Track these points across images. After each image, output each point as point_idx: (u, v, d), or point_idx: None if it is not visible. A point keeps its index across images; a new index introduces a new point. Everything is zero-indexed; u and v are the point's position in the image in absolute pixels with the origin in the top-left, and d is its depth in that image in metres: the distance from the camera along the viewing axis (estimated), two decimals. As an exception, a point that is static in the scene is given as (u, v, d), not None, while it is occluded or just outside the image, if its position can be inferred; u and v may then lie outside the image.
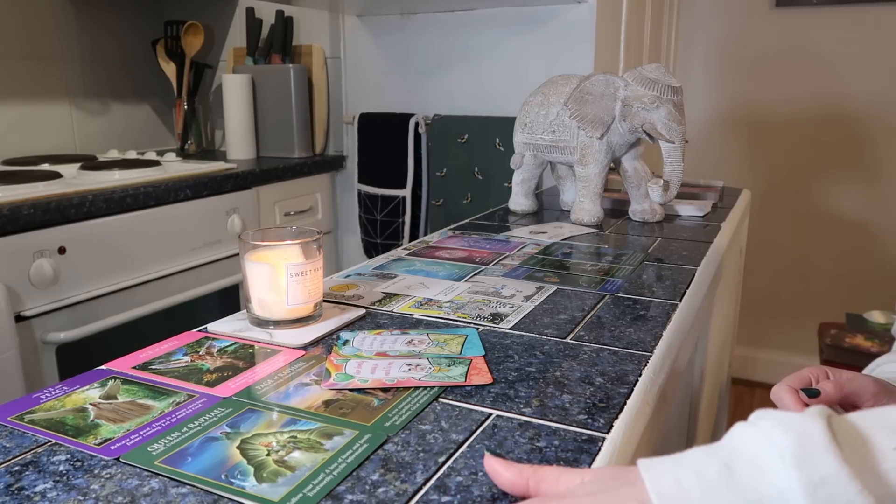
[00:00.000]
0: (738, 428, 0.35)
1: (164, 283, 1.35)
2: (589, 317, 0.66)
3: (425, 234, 1.75)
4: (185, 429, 0.44)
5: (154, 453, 0.41)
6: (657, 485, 0.33)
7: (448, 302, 0.70)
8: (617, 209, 1.21)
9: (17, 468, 0.40)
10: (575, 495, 0.35)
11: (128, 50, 1.97)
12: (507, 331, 0.62)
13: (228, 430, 0.44)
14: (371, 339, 0.60)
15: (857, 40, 2.17)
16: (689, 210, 1.16)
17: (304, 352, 0.58)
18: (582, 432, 0.44)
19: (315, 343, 0.60)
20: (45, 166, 1.47)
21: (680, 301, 0.71)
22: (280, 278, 0.60)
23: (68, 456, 0.41)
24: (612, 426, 0.45)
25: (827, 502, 0.30)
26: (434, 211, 1.73)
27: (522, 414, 0.46)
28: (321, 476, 0.39)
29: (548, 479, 0.37)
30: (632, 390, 0.50)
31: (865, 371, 0.68)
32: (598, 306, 0.69)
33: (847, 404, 0.59)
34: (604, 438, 0.43)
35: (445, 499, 0.37)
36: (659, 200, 1.05)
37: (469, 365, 0.54)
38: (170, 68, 1.95)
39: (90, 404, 0.48)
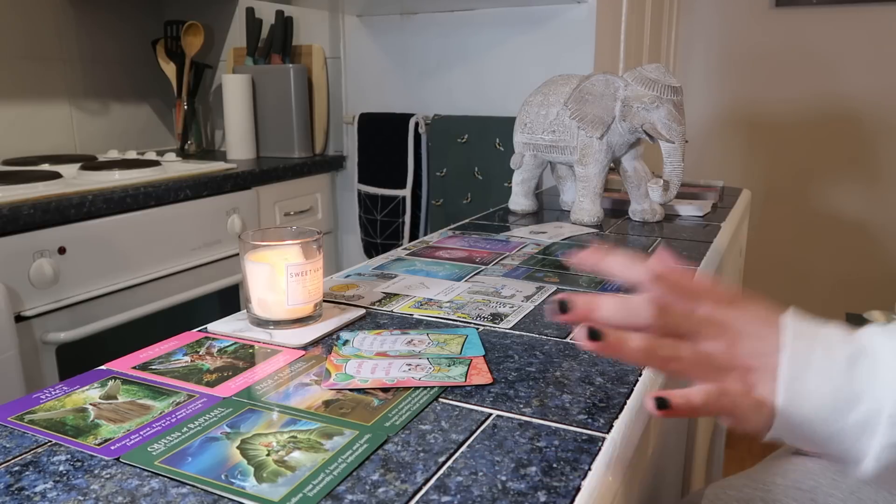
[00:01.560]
0: (876, 333, 0.40)
1: (164, 283, 1.35)
2: (589, 317, 0.66)
3: (425, 234, 1.75)
4: (185, 429, 0.44)
5: (154, 453, 0.41)
6: (793, 343, 0.39)
7: (448, 302, 0.70)
8: (617, 209, 1.21)
9: (17, 468, 0.40)
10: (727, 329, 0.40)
11: (128, 50, 1.97)
12: (507, 331, 0.62)
13: (228, 430, 0.44)
14: (371, 339, 0.60)
15: (857, 40, 2.18)
16: (689, 210, 1.16)
17: (304, 352, 0.58)
18: (582, 432, 0.44)
19: (315, 343, 0.60)
20: (45, 166, 1.47)
21: (680, 301, 0.70)
22: (280, 278, 0.60)
23: (68, 456, 0.41)
24: (612, 426, 0.45)
25: None
26: (434, 211, 1.73)
27: (522, 414, 0.46)
28: (321, 476, 0.39)
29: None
30: (632, 390, 0.50)
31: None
32: (598, 306, 0.69)
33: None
34: (604, 438, 0.43)
35: (445, 499, 0.37)
36: (659, 200, 1.05)
37: (469, 365, 0.54)
38: (170, 68, 1.95)
39: (90, 404, 0.48)
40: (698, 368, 0.40)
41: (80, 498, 0.37)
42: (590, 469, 0.40)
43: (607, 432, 0.44)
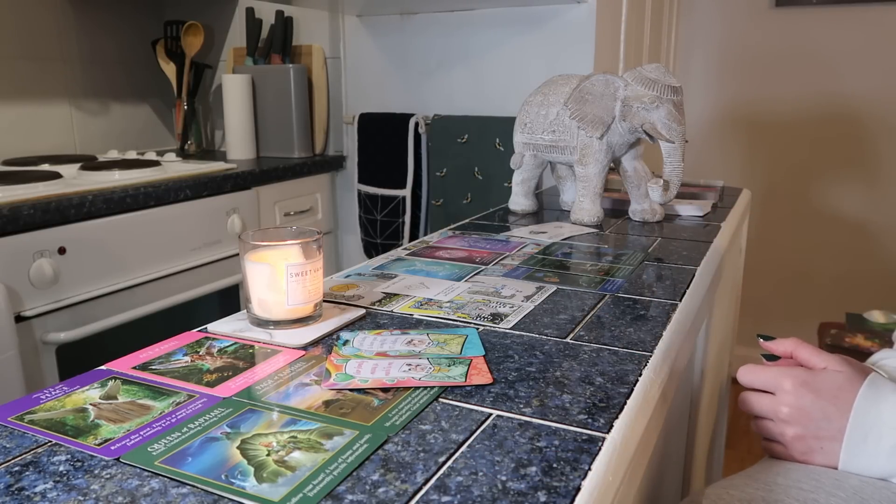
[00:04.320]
0: None
1: (164, 283, 1.35)
2: (589, 317, 0.66)
3: (425, 234, 1.75)
4: (185, 429, 0.44)
5: (154, 453, 0.41)
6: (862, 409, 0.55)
7: (448, 302, 0.70)
8: (617, 209, 1.21)
9: (17, 468, 0.40)
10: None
11: (128, 50, 1.97)
12: (507, 331, 0.62)
13: (228, 430, 0.44)
14: (371, 339, 0.60)
15: (857, 40, 2.18)
16: (689, 210, 1.16)
17: (304, 352, 0.58)
18: (582, 432, 0.44)
19: (315, 343, 0.60)
20: (45, 166, 1.47)
21: (680, 301, 0.71)
22: (280, 278, 0.60)
23: (68, 456, 0.41)
24: (612, 426, 0.45)
25: None
26: (434, 211, 1.73)
27: (522, 414, 0.46)
28: (321, 476, 0.39)
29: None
30: (632, 390, 0.50)
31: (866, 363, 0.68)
32: (598, 306, 0.69)
33: None
34: (604, 438, 0.43)
35: (445, 499, 0.37)
36: (659, 200, 1.05)
37: (469, 365, 0.54)
38: (170, 68, 1.95)
39: (90, 404, 0.48)
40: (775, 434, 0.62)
41: (80, 498, 0.37)
42: (590, 469, 0.40)
43: (607, 432, 0.44)
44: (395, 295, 0.72)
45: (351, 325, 0.64)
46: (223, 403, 0.48)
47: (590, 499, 0.38)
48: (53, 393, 0.50)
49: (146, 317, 1.30)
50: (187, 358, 0.56)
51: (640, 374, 0.53)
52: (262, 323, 0.62)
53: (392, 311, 0.68)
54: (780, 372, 0.60)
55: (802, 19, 2.23)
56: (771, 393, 0.61)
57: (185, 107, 1.93)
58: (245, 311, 0.64)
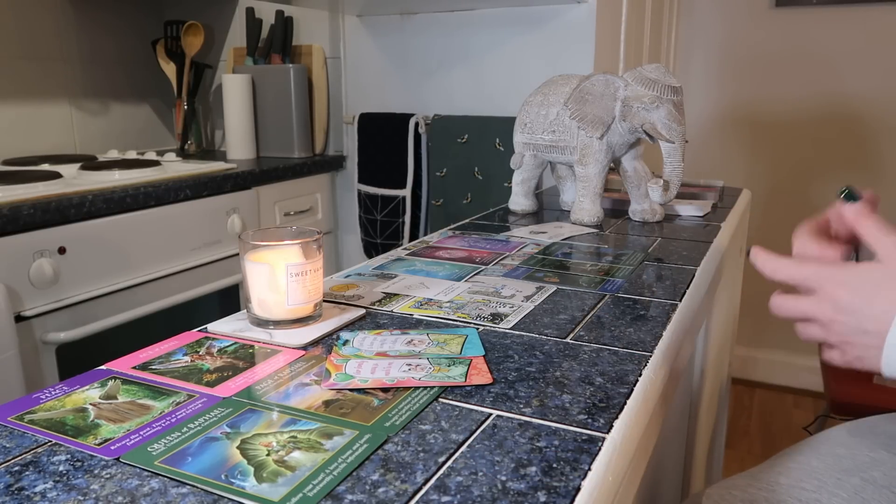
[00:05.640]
0: None
1: (164, 283, 1.35)
2: (589, 317, 0.66)
3: (425, 234, 1.75)
4: (185, 429, 0.44)
5: (154, 453, 0.41)
6: None
7: (448, 302, 0.70)
8: (617, 209, 1.21)
9: (17, 468, 0.40)
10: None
11: (128, 50, 1.97)
12: (507, 331, 0.62)
13: (228, 430, 0.44)
14: (371, 339, 0.60)
15: (857, 40, 2.18)
16: (689, 210, 1.16)
17: (304, 352, 0.58)
18: (582, 432, 0.44)
19: (315, 343, 0.60)
20: (45, 166, 1.47)
21: (680, 301, 0.71)
22: (280, 278, 0.60)
23: (68, 456, 0.41)
24: (612, 426, 0.45)
25: None
26: (434, 211, 1.73)
27: (522, 414, 0.46)
28: (321, 476, 0.39)
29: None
30: (632, 390, 0.50)
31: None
32: (598, 306, 0.69)
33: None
34: (604, 438, 0.43)
35: (445, 499, 0.37)
36: (659, 200, 1.05)
37: (469, 365, 0.54)
38: (170, 68, 1.95)
39: (90, 404, 0.48)
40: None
41: (80, 498, 0.37)
42: (590, 469, 0.40)
43: (607, 432, 0.44)
44: (395, 295, 0.72)
45: (351, 325, 0.64)
46: (223, 403, 0.48)
47: (590, 499, 0.38)
48: (53, 393, 0.50)
49: (146, 317, 1.30)
50: (187, 358, 0.56)
51: (640, 374, 0.53)
52: (262, 323, 0.62)
53: (392, 311, 0.68)
54: (814, 272, 0.56)
55: (802, 19, 2.23)
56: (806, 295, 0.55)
57: (185, 107, 1.93)
58: (245, 311, 0.64)
